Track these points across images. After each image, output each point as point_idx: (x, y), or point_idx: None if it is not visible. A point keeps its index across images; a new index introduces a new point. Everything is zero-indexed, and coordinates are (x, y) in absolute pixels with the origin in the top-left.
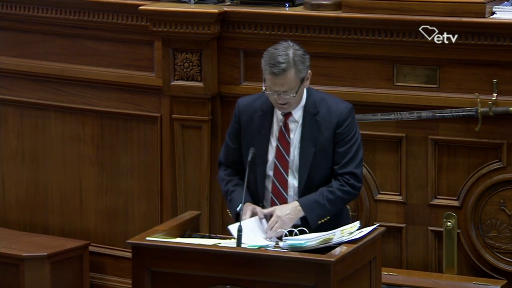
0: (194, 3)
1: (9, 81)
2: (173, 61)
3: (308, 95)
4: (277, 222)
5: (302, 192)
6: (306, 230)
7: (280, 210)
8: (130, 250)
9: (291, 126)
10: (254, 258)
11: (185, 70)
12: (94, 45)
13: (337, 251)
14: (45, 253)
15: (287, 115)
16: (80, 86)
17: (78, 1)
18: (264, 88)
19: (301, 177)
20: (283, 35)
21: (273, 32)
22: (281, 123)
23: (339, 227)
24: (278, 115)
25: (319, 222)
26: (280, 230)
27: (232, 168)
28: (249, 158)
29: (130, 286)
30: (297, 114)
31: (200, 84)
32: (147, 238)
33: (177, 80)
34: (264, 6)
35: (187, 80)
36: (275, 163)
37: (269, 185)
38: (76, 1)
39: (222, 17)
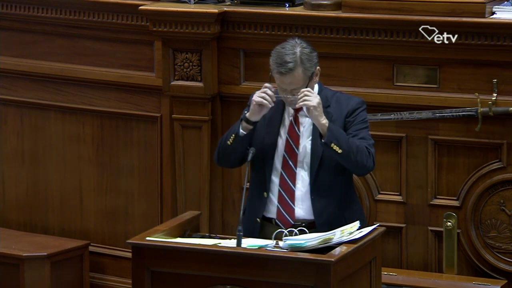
0: (194, 3)
1: (9, 81)
2: (173, 61)
3: (320, 90)
4: (306, 95)
5: (313, 184)
6: (306, 230)
7: (311, 92)
8: (130, 250)
9: (301, 119)
10: (254, 258)
11: (185, 70)
12: (94, 45)
13: (337, 251)
14: (45, 253)
15: (298, 109)
16: (80, 86)
17: (78, 1)
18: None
19: (312, 168)
20: (283, 35)
21: (273, 32)
22: (292, 117)
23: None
24: (289, 108)
25: (330, 145)
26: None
27: None
28: (249, 158)
29: (130, 286)
30: None
31: (200, 84)
32: (147, 238)
33: (177, 80)
34: (264, 6)
35: (187, 80)
36: (284, 156)
37: (276, 179)
38: (76, 1)
39: (222, 17)
